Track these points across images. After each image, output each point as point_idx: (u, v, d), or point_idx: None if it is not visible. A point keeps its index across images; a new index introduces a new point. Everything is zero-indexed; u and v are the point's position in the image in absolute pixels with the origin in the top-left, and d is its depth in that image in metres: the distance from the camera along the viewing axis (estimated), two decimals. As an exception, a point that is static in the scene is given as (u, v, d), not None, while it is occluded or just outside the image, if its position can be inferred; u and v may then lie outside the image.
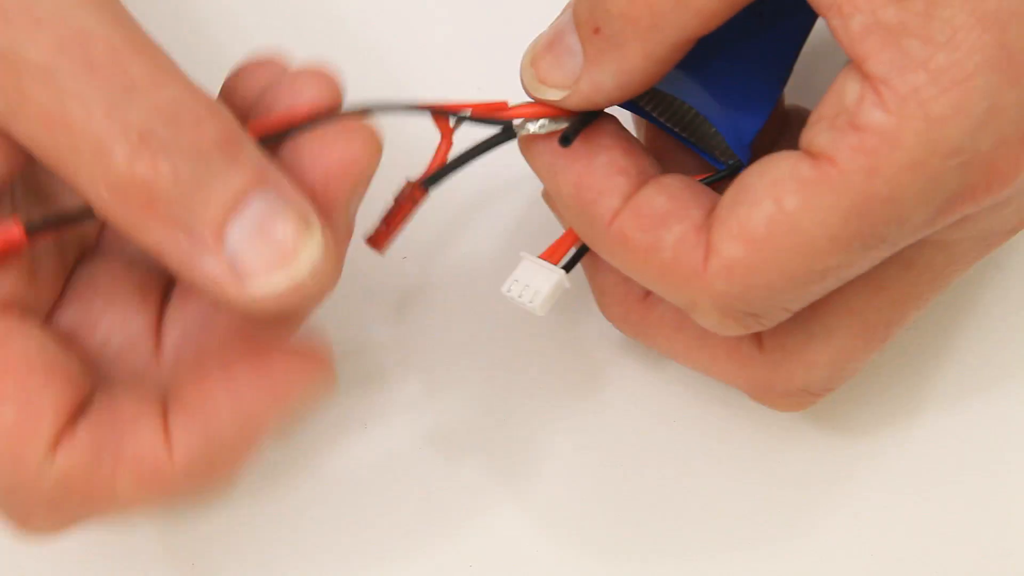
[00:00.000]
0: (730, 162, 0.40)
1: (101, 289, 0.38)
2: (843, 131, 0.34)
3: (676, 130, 0.41)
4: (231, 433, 0.36)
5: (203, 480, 0.36)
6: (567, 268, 0.40)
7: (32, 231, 0.35)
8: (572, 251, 0.40)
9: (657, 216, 0.37)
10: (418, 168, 0.39)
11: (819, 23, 0.39)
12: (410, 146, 0.39)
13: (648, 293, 0.41)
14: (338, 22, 0.49)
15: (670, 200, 0.37)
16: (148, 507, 0.36)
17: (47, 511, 0.36)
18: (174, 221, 0.34)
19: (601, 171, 0.38)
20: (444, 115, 0.38)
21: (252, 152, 0.35)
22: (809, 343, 0.39)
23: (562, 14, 0.38)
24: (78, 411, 0.36)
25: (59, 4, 0.34)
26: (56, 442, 0.35)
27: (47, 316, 0.38)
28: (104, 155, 0.33)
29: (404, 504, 0.43)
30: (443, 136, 0.39)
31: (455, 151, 0.39)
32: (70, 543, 0.42)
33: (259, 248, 0.34)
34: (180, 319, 0.38)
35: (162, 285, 0.39)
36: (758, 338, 0.40)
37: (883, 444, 0.44)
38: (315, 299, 0.36)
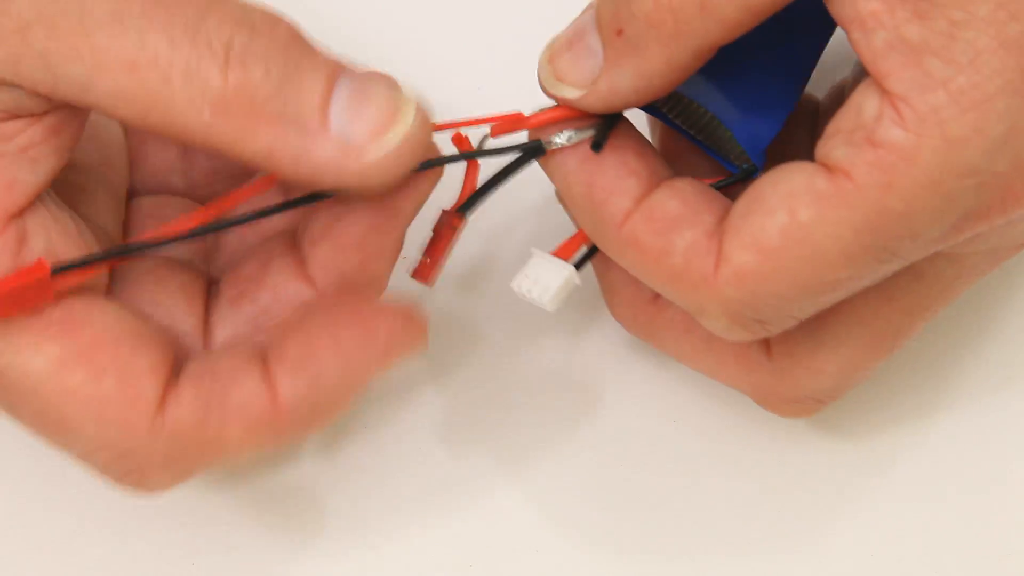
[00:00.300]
0: (744, 166, 0.40)
1: (146, 288, 0.39)
2: (860, 146, 0.34)
3: (691, 133, 0.41)
4: (335, 384, 0.37)
5: (305, 426, 0.38)
6: (578, 266, 0.40)
7: (57, 272, 0.36)
8: (584, 249, 0.41)
9: (669, 220, 0.37)
10: (451, 193, 0.40)
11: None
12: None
13: (657, 295, 0.41)
14: (336, 23, 0.49)
15: (682, 204, 0.37)
16: (254, 453, 0.38)
17: (161, 468, 0.37)
18: (279, 118, 0.35)
19: (612, 172, 0.38)
20: (466, 142, 0.39)
21: (318, 44, 0.36)
22: (817, 351, 0.40)
23: (583, 13, 0.38)
24: (175, 370, 0.37)
25: None
26: (162, 402, 0.36)
27: None
28: (198, 76, 0.34)
29: (404, 504, 0.44)
30: (469, 160, 0.39)
31: (484, 172, 0.39)
32: (71, 543, 0.43)
33: (363, 118, 0.36)
34: (231, 319, 0.39)
35: (204, 287, 0.40)
36: (766, 344, 0.40)
37: (889, 449, 0.44)
38: (422, 151, 0.37)
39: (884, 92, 0.34)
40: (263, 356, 0.37)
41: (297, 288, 0.39)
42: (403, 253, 0.44)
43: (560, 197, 0.42)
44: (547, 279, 0.40)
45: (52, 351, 0.36)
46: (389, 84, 0.36)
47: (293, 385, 0.37)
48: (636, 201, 0.37)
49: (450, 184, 0.39)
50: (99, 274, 0.38)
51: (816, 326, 0.39)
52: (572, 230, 0.40)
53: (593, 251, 0.40)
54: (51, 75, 0.35)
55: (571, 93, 0.38)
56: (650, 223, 0.37)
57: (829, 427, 0.44)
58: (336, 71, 0.36)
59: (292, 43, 0.36)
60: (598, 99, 0.37)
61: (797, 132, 0.42)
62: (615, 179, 0.38)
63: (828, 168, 0.35)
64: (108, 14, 0.34)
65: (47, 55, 0.34)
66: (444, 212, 0.40)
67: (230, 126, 0.35)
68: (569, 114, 0.38)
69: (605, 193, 0.38)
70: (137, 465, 0.37)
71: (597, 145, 0.38)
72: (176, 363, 0.37)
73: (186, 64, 0.34)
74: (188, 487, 0.42)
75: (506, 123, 0.39)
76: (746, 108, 0.39)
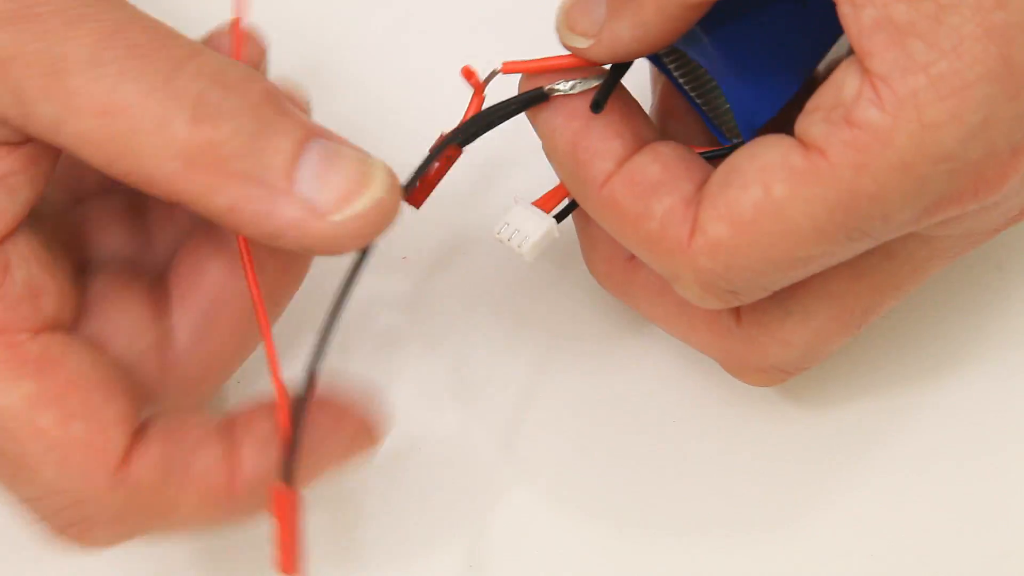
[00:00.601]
0: (734, 140, 0.40)
1: (112, 297, 0.39)
2: (837, 125, 0.35)
3: (693, 95, 0.41)
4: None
5: (260, 506, 0.37)
6: (559, 217, 0.41)
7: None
8: (566, 201, 0.41)
9: (648, 184, 0.37)
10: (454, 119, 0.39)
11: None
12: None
13: (634, 255, 0.41)
14: (344, 23, 0.50)
15: (663, 170, 0.37)
16: (204, 527, 0.38)
17: (109, 523, 0.37)
18: (245, 176, 0.35)
19: (597, 132, 0.38)
20: (474, 76, 0.39)
21: (293, 107, 0.36)
22: (786, 322, 0.40)
23: None
24: (142, 425, 0.37)
25: (87, 4, 0.35)
26: (127, 455, 0.36)
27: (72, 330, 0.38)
28: (167, 127, 0.34)
29: (404, 504, 0.44)
30: (475, 91, 0.39)
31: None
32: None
33: (331, 182, 0.35)
34: (187, 319, 0.39)
35: (155, 291, 0.40)
36: (737, 312, 0.40)
37: (879, 446, 0.45)
38: (391, 219, 0.36)
39: (865, 71, 0.34)
40: (231, 428, 0.37)
41: (239, 271, 0.39)
42: (404, 253, 0.45)
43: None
44: (527, 229, 0.40)
45: (27, 388, 0.36)
46: (360, 152, 0.36)
47: (255, 464, 0.37)
48: (618, 163, 0.38)
49: (456, 113, 0.39)
50: (67, 307, 0.38)
51: (786, 297, 0.40)
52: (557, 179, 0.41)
53: (574, 204, 0.41)
54: (24, 111, 0.35)
55: (580, 43, 0.38)
56: (630, 187, 0.37)
57: (830, 409, 0.45)
58: (307, 135, 0.36)
59: (265, 103, 0.35)
60: (602, 48, 0.38)
61: (793, 104, 0.43)
62: (599, 140, 0.38)
63: (804, 145, 0.35)
64: (85, 59, 0.34)
65: (21, 92, 0.35)
66: (442, 136, 0.39)
67: (195, 181, 0.35)
68: (576, 63, 0.38)
69: (588, 154, 0.38)
70: (86, 516, 0.37)
71: (597, 105, 0.38)
72: (141, 407, 0.37)
73: (155, 115, 0.34)
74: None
75: (518, 64, 0.39)
76: (750, 85, 0.39)
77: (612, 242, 0.42)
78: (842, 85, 0.35)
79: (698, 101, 0.41)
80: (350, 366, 0.45)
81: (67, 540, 0.37)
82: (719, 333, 0.41)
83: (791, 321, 0.40)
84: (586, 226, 0.42)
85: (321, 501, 0.43)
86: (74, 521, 0.37)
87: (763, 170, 0.35)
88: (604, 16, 0.37)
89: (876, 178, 0.34)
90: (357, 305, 0.46)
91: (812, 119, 0.35)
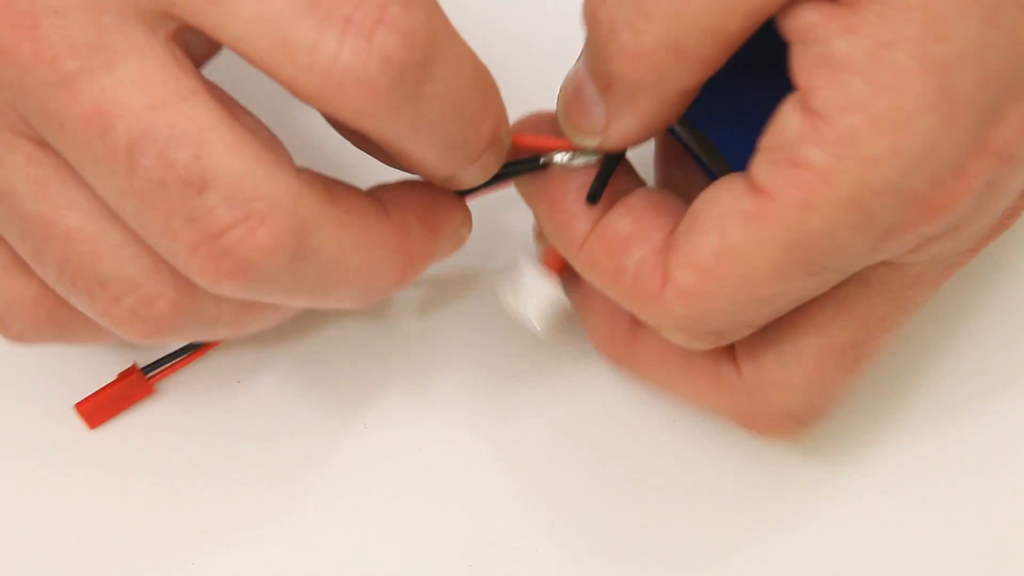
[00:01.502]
0: None
1: None
2: (781, 166, 0.35)
3: (691, 143, 0.41)
4: None
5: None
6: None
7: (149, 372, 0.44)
8: None
9: (620, 240, 0.38)
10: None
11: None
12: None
13: (635, 325, 0.42)
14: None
15: (633, 222, 0.38)
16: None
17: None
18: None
19: (572, 196, 0.39)
20: None
21: None
22: (783, 366, 0.40)
23: (579, 60, 0.39)
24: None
25: None
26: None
27: None
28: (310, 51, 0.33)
29: (404, 504, 0.44)
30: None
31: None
32: (70, 543, 0.44)
33: None
34: None
35: None
36: (736, 365, 0.41)
37: (880, 446, 0.45)
38: None
39: (806, 108, 0.35)
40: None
41: None
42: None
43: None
44: (534, 299, 0.41)
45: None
46: None
47: None
48: (595, 223, 0.39)
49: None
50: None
51: (779, 341, 0.40)
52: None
53: None
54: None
55: (590, 142, 0.39)
56: (603, 244, 0.38)
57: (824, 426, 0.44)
58: None
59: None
60: (614, 144, 0.39)
61: None
62: (575, 202, 0.39)
63: (754, 187, 0.36)
64: None
65: None
66: None
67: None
68: (569, 145, 0.39)
69: (567, 216, 0.39)
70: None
71: (593, 197, 0.39)
72: None
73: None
74: (189, 487, 0.44)
75: (524, 139, 0.40)
76: (745, 138, 0.38)
77: (610, 317, 0.42)
78: (785, 124, 0.35)
79: (693, 146, 0.41)
80: (350, 365, 0.46)
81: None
82: (721, 387, 0.41)
83: (788, 365, 0.40)
84: (584, 306, 0.43)
85: (320, 502, 0.44)
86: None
87: (718, 216, 0.36)
88: (605, 114, 0.38)
89: (823, 216, 0.35)
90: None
91: (759, 159, 0.36)
